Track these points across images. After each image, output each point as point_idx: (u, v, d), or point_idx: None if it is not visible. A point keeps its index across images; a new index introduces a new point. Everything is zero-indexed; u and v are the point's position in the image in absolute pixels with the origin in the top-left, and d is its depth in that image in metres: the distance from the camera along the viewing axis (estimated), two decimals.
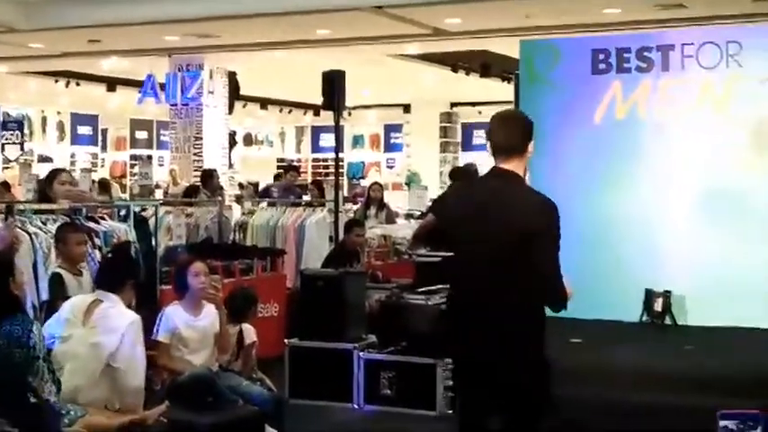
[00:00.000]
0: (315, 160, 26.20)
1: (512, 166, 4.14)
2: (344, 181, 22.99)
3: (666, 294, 9.20)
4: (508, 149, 4.16)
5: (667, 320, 9.19)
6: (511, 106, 10.82)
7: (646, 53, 9.66)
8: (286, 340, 8.04)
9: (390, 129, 25.22)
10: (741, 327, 8.85)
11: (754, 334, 8.71)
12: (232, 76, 16.27)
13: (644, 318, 9.24)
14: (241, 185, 18.61)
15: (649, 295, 9.26)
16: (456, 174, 11.54)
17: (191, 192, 12.76)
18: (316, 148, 26.37)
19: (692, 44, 9.50)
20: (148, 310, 6.35)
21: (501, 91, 16.73)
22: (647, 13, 11.94)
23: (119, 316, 5.51)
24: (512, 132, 4.21)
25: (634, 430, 6.63)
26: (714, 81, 9.39)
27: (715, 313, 8.97)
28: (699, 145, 9.44)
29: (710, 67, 9.41)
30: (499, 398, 4.09)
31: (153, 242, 7.92)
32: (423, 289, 8.67)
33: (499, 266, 3.93)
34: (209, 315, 6.40)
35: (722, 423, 1.67)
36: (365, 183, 20.48)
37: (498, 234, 3.97)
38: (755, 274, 8.98)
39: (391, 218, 13.65)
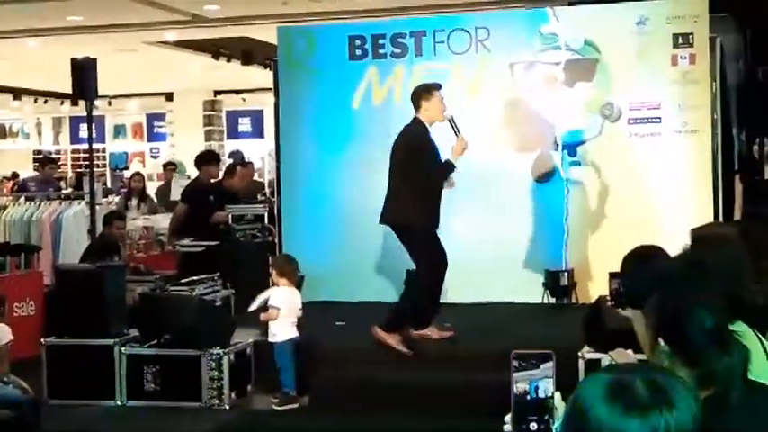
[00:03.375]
0: (75, 152, 25.26)
1: (415, 114, 7.68)
2: (107, 172, 22.36)
3: None
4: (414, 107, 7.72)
5: None
6: (272, 93, 10.81)
7: (400, 39, 9.89)
8: (43, 339, 7.75)
9: (153, 118, 24.64)
10: (496, 302, 9.24)
11: (507, 307, 9.12)
12: None
13: None
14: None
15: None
16: (202, 159, 11.24)
17: None
18: (75, 139, 25.43)
19: (444, 30, 9.80)
20: None
21: (264, 78, 16.66)
22: (401, 0, 12.19)
23: None
24: (413, 98, 7.77)
25: (395, 405, 6.80)
26: (465, 65, 9.72)
27: (472, 290, 9.31)
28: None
29: (461, 53, 9.73)
30: None
31: None
32: (186, 280, 8.57)
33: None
34: None
35: (515, 363, 1.77)
36: (128, 173, 19.94)
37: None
38: (508, 249, 9.40)
39: (154, 209, 13.38)
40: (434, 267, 7.67)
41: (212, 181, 11.12)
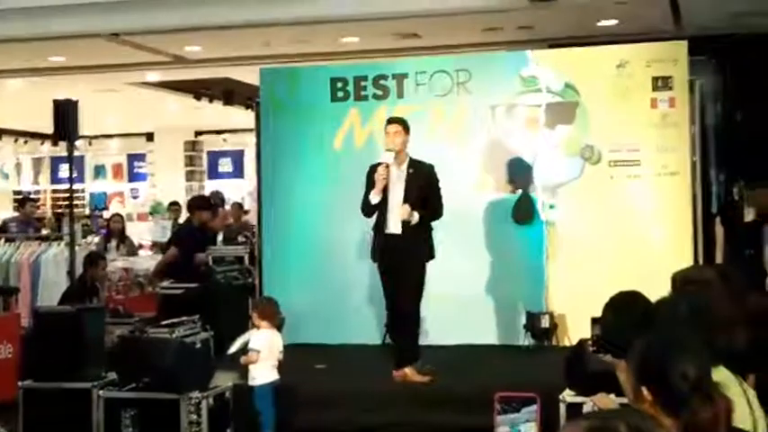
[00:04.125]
0: (54, 192, 25.18)
1: None
2: (88, 212, 22.24)
3: None
4: None
5: None
6: (254, 134, 10.83)
7: (382, 81, 9.92)
8: (20, 382, 7.66)
9: (134, 158, 24.61)
10: (474, 344, 9.20)
11: (488, 349, 9.09)
12: None
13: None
14: None
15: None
16: (196, 204, 11.32)
17: None
18: (55, 179, 25.34)
19: (425, 72, 9.84)
20: None
21: (245, 118, 16.69)
22: (384, 43, 12.23)
23: None
24: None
25: None
26: (446, 108, 9.75)
27: (452, 332, 9.27)
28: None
29: (443, 95, 9.77)
30: None
31: None
32: (166, 322, 8.50)
33: None
34: None
35: (498, 406, 1.74)
36: (108, 214, 19.87)
37: None
38: (489, 290, 9.38)
39: (133, 250, 13.31)
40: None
41: None
